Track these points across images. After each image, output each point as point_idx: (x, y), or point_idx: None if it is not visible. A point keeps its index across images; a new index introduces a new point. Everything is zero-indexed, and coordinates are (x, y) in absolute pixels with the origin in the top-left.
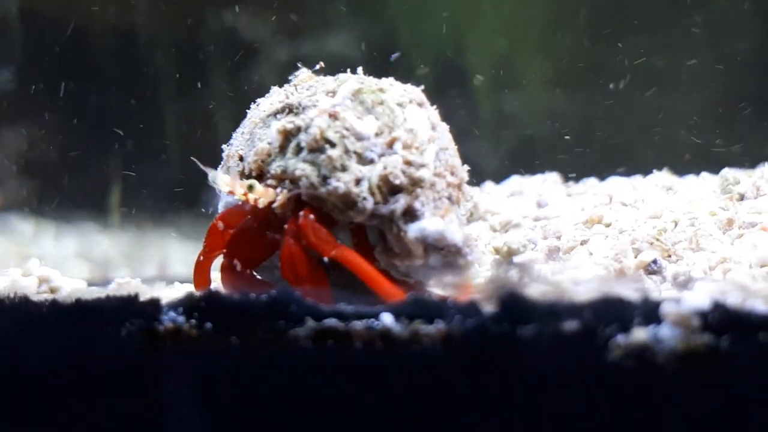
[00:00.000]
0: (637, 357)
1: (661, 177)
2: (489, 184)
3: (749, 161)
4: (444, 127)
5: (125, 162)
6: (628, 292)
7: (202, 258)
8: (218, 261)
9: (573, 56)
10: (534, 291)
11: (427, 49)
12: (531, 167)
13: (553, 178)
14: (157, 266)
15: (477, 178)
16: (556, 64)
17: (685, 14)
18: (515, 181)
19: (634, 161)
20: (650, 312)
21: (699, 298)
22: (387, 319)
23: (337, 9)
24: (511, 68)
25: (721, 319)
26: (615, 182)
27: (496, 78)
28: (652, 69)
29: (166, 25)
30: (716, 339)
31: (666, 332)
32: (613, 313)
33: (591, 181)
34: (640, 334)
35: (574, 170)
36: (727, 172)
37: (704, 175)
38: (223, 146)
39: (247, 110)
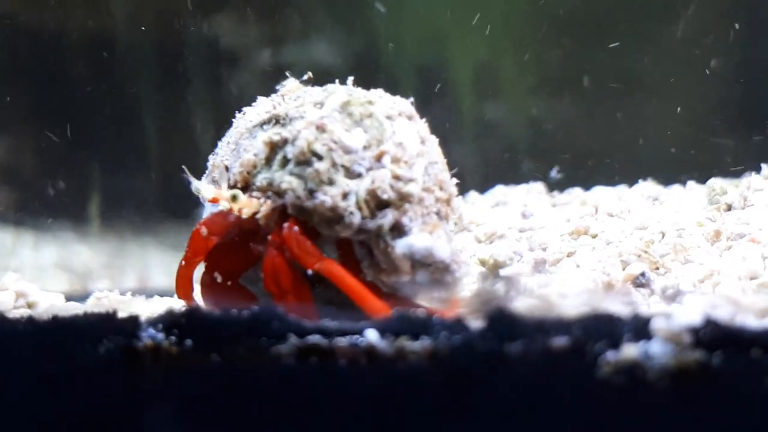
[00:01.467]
0: (628, 374)
1: (647, 187)
2: (473, 194)
3: (734, 169)
4: (433, 141)
5: (105, 171)
6: (618, 307)
7: (183, 263)
8: (200, 271)
9: (556, 65)
10: (521, 305)
11: (408, 57)
12: (515, 177)
13: (537, 188)
14: (138, 277)
15: (460, 187)
16: (540, 73)
17: (667, 23)
18: (499, 191)
19: (619, 170)
20: (640, 328)
21: (690, 314)
22: (372, 335)
23: (318, 17)
24: (493, 76)
25: (713, 336)
26: (600, 192)
27: (478, 86)
28: (635, 77)
29: (147, 33)
30: (708, 355)
31: (657, 349)
32: (603, 329)
33: (576, 191)
34: (630, 350)
35: (558, 181)
36: (713, 182)
37: (690, 184)
38: (209, 157)
39: (231, 119)
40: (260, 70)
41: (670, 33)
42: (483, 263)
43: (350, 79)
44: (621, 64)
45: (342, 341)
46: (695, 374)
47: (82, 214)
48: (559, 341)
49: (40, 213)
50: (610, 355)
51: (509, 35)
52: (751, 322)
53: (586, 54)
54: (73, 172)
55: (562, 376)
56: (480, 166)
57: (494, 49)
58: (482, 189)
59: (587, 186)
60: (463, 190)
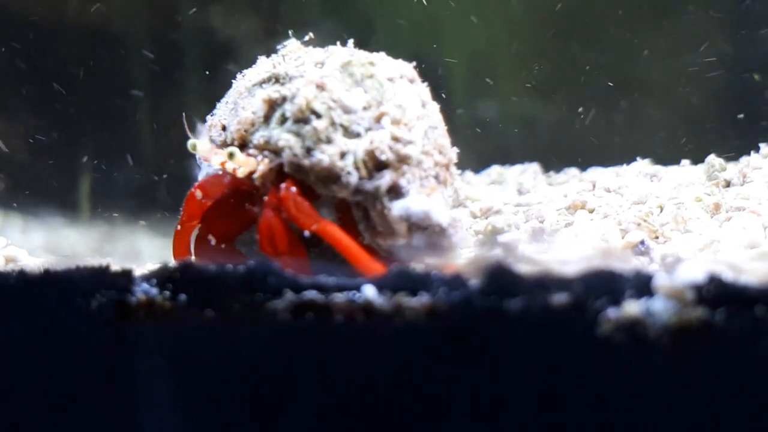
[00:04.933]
0: (628, 331)
1: (645, 165)
2: (468, 174)
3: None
4: (434, 106)
5: (96, 157)
6: (619, 264)
7: (179, 227)
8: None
9: (550, 58)
10: (521, 268)
11: (403, 49)
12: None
13: (533, 168)
14: (127, 262)
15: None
16: (534, 67)
17: (661, 18)
18: (495, 170)
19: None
20: (642, 285)
21: (693, 271)
22: (369, 291)
23: (312, 8)
24: (488, 69)
25: (717, 293)
26: (597, 171)
27: (472, 78)
28: (630, 74)
29: (139, 22)
30: (710, 313)
31: (659, 306)
32: (604, 286)
33: (572, 171)
34: (631, 307)
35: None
36: (712, 158)
37: (688, 165)
38: (207, 117)
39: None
40: (254, 62)
41: (663, 28)
42: (480, 233)
43: (350, 42)
44: (615, 60)
45: (339, 297)
46: (697, 331)
47: (71, 199)
48: (560, 298)
49: (29, 198)
50: (611, 312)
51: (505, 27)
52: (754, 280)
53: (582, 48)
54: (64, 159)
55: (562, 333)
56: (473, 155)
57: (490, 40)
58: (477, 170)
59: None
60: (458, 169)
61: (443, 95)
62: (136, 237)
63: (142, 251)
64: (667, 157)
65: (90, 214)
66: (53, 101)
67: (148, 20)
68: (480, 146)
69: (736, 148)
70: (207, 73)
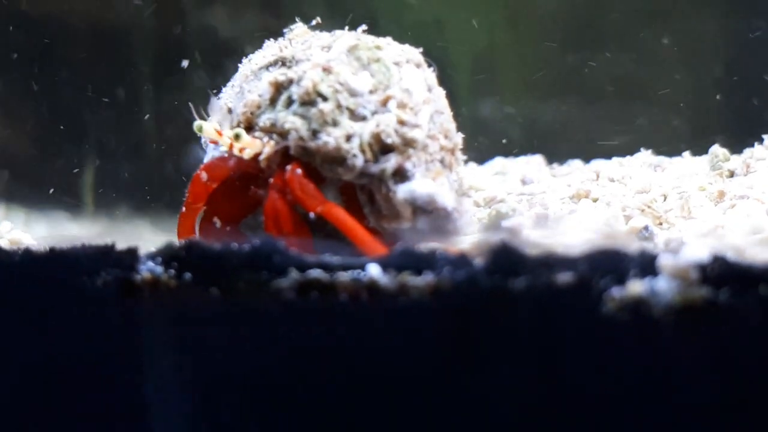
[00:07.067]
0: (633, 310)
1: (648, 156)
2: (472, 165)
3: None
4: (440, 92)
5: (99, 151)
6: (624, 244)
7: (184, 210)
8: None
9: (552, 60)
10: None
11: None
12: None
13: (537, 160)
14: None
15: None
16: (536, 67)
17: (660, 24)
18: (499, 162)
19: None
20: (646, 264)
21: (698, 251)
22: (374, 270)
23: (315, 7)
24: (492, 66)
25: (721, 272)
26: (600, 162)
27: (475, 77)
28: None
29: (145, 18)
30: (715, 292)
31: (663, 285)
32: (608, 265)
33: (576, 163)
34: (635, 286)
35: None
36: (716, 148)
37: (692, 156)
38: (213, 99)
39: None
40: None
41: (660, 33)
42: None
43: (362, 27)
44: (615, 62)
45: (343, 276)
46: (701, 311)
47: (75, 193)
48: (564, 277)
49: (31, 192)
50: (616, 291)
51: (508, 23)
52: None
53: (584, 49)
54: (66, 153)
55: (567, 312)
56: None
57: (493, 36)
58: (480, 162)
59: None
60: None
61: (448, 92)
62: (139, 231)
63: (144, 246)
64: (670, 152)
65: (93, 208)
66: (56, 96)
67: (154, 16)
68: (484, 140)
69: (739, 141)
70: (212, 68)
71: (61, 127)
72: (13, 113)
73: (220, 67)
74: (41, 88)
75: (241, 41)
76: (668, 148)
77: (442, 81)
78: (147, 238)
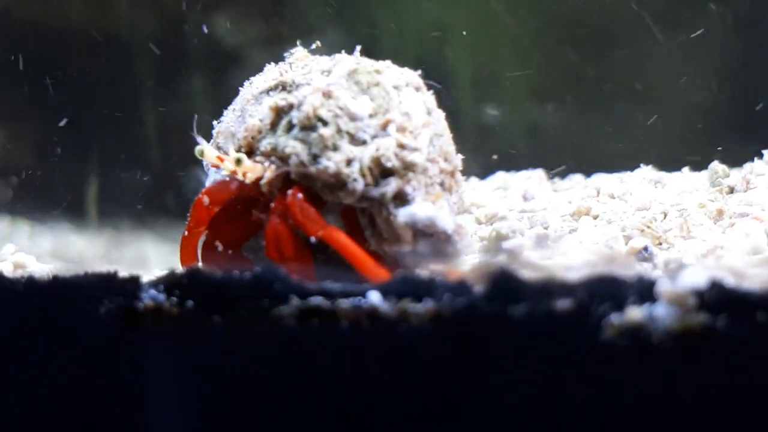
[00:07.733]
0: (632, 336)
1: (649, 171)
2: (474, 180)
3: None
4: (440, 114)
5: (103, 163)
6: (622, 270)
7: (186, 234)
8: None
9: (556, 65)
10: (525, 275)
11: (409, 55)
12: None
13: (538, 174)
14: (134, 268)
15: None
16: (539, 73)
17: (668, 28)
18: (500, 177)
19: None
20: (645, 291)
21: (695, 277)
22: (374, 297)
23: (318, 15)
24: (493, 75)
25: (718, 298)
26: (601, 177)
27: (477, 84)
28: (635, 80)
29: (148, 27)
30: (713, 318)
31: (661, 311)
32: (607, 291)
33: (577, 177)
34: (634, 313)
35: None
36: (716, 165)
37: (692, 172)
38: (214, 123)
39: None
40: (260, 68)
41: (669, 37)
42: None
43: (358, 48)
44: (621, 66)
45: (344, 303)
46: (699, 337)
47: (79, 205)
48: (563, 303)
49: (36, 204)
50: (614, 318)
51: (510, 34)
52: (756, 286)
53: (587, 55)
54: (71, 165)
55: (566, 338)
56: (478, 160)
57: (495, 46)
58: (482, 177)
59: (588, 174)
60: (463, 176)
61: (448, 102)
62: (143, 243)
63: (149, 257)
64: (670, 165)
65: (97, 220)
66: (60, 107)
67: (157, 25)
68: (485, 153)
69: (739, 155)
70: (215, 78)
71: (65, 139)
72: (17, 126)
73: (225, 76)
74: (45, 100)
75: (246, 50)
76: (670, 159)
77: (444, 92)
78: (152, 250)
